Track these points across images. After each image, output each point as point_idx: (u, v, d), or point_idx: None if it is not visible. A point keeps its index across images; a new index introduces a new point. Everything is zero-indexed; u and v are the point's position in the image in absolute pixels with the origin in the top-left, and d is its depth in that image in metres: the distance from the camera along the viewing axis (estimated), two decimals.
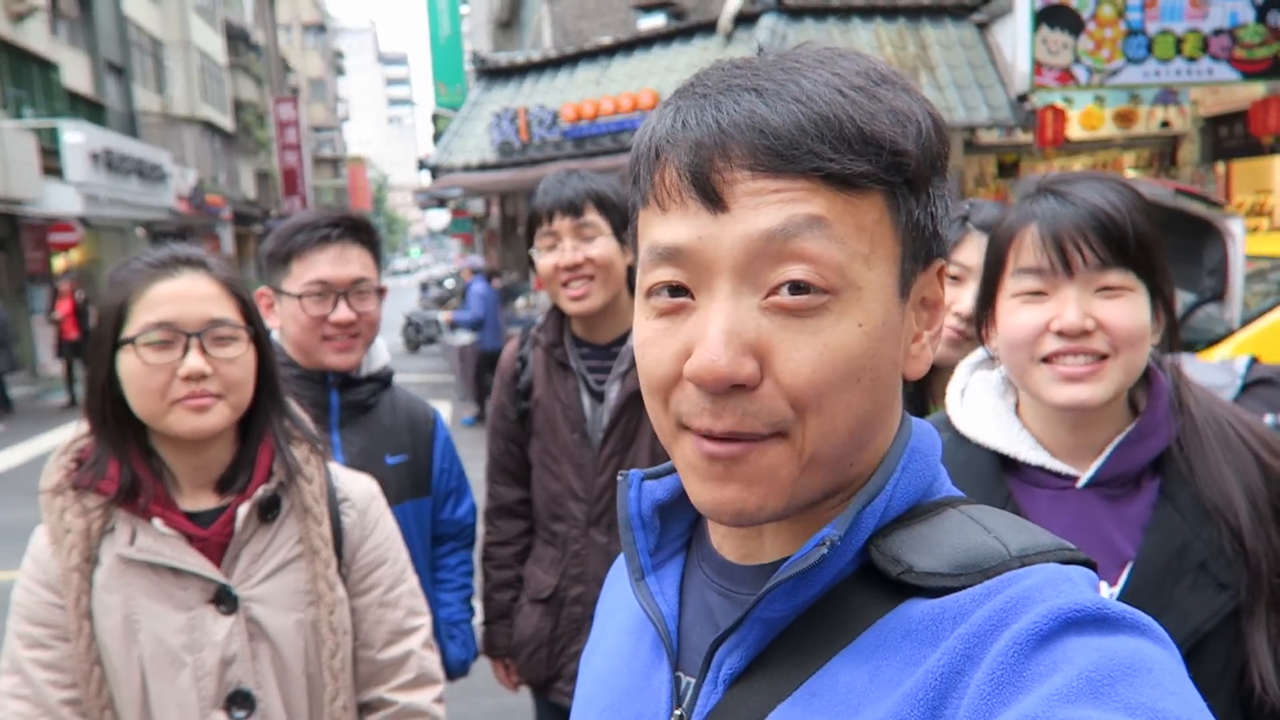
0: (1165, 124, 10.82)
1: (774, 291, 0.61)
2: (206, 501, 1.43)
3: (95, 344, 1.37)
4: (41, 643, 1.35)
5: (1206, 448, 1.18)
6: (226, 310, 1.40)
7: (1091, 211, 1.15)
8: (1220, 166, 10.50)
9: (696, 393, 0.62)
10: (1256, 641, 1.11)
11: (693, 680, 0.71)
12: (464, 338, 11.72)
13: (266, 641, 1.41)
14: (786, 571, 0.63)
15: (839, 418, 0.62)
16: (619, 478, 0.77)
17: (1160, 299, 1.20)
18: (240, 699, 1.38)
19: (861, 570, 0.66)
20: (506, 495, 2.35)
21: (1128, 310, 1.16)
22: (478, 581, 2.39)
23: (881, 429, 0.67)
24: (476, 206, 19.59)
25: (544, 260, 2.12)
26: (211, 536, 1.39)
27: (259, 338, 1.45)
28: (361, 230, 1.97)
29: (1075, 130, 10.21)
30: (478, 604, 2.38)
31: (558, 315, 2.23)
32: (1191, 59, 8.63)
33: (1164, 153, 11.29)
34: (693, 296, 0.63)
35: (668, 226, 0.63)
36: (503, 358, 2.36)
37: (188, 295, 1.37)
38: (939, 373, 1.81)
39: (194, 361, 1.34)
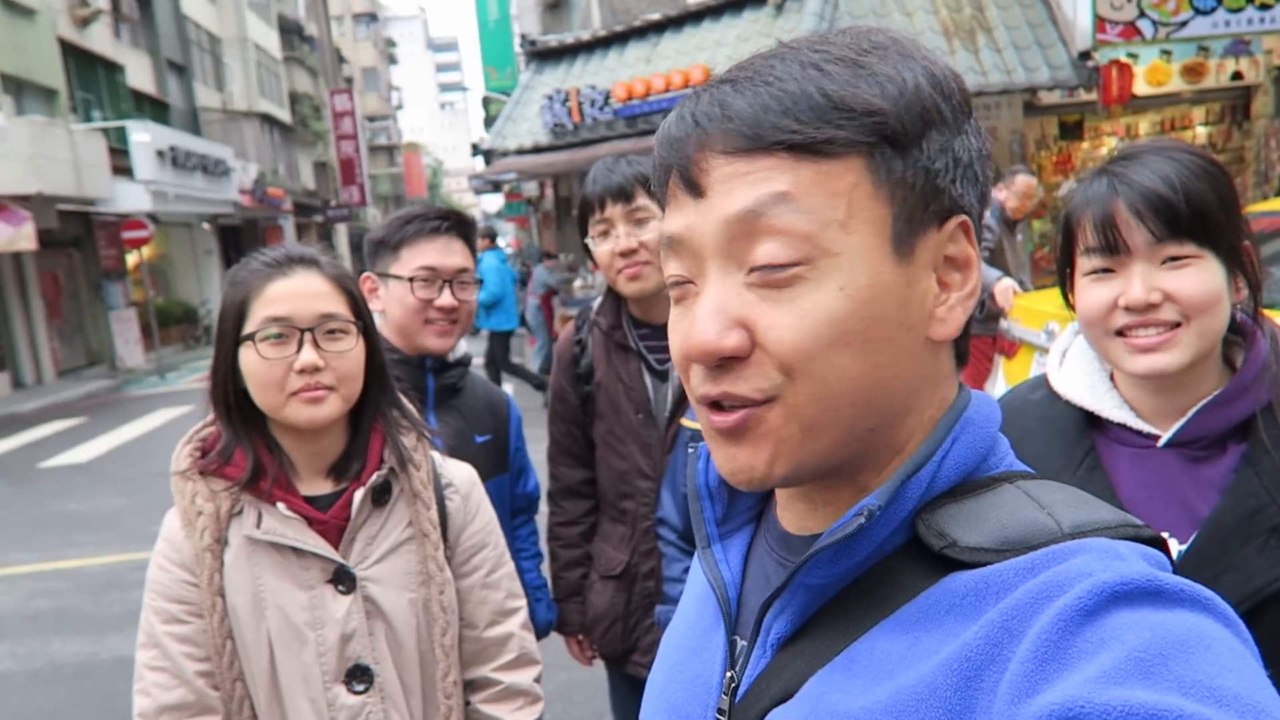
0: (1237, 76, 10.43)
1: (755, 268, 0.63)
2: (322, 487, 1.51)
3: (219, 340, 1.46)
4: (177, 618, 1.44)
5: None
6: (337, 305, 1.47)
7: (1142, 192, 1.17)
8: None
9: (700, 366, 0.66)
10: None
11: (746, 643, 0.73)
12: None
13: (382, 619, 1.49)
14: (825, 540, 0.64)
15: (832, 381, 0.63)
16: (688, 449, 0.81)
17: (1236, 262, 1.20)
18: (359, 673, 1.46)
19: (910, 543, 0.66)
20: (571, 476, 2.40)
21: (1195, 278, 1.17)
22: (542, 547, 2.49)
23: (913, 396, 0.67)
24: (530, 189, 19.66)
25: (600, 248, 2.17)
26: (330, 520, 1.47)
27: (368, 331, 1.52)
28: (466, 226, 2.16)
29: (1141, 86, 9.90)
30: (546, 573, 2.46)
31: (615, 298, 2.28)
32: (1265, 6, 8.28)
33: (1236, 106, 10.88)
34: (694, 284, 0.67)
35: (668, 220, 0.68)
36: (560, 342, 2.41)
37: (301, 292, 1.44)
38: None
39: (308, 355, 1.42)
